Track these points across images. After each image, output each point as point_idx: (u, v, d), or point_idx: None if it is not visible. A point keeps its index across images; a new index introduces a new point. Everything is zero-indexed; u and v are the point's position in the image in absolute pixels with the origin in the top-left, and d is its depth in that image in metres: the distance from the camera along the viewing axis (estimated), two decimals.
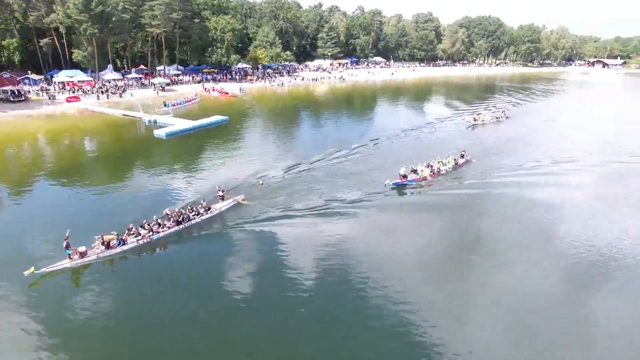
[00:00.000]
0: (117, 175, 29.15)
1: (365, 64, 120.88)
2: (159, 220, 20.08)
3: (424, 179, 28.30)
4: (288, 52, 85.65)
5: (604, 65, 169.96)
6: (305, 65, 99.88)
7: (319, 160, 32.53)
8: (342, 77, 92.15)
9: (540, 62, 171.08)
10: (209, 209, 21.94)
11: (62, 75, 60.12)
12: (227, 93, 62.81)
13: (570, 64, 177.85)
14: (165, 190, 26.20)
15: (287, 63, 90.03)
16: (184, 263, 18.08)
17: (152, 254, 18.65)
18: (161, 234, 19.64)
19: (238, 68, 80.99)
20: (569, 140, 43.10)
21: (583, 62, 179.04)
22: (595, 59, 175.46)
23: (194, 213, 21.20)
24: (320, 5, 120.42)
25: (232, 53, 75.01)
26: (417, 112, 61.03)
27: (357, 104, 67.29)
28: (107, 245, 17.94)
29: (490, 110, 57.87)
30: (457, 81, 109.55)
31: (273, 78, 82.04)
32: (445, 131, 45.73)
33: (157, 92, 63.08)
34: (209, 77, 74.35)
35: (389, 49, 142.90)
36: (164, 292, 15.99)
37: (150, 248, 18.99)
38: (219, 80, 74.21)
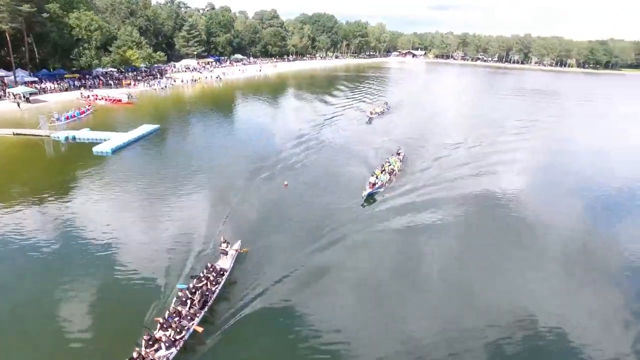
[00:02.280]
0: (84, 224, 21.70)
1: (228, 61, 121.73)
2: (179, 308, 14.60)
3: (389, 181, 29.67)
4: (161, 53, 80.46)
5: (413, 55, 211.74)
6: (174, 66, 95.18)
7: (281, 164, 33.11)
8: (218, 76, 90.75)
9: (368, 54, 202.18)
10: (222, 273, 17.28)
11: None
12: (119, 100, 55.06)
13: (389, 55, 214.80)
14: (159, 238, 20.77)
15: (158, 65, 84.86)
16: None
17: None
18: (191, 329, 14.02)
19: (105, 72, 72.84)
20: (458, 124, 53.85)
21: (398, 53, 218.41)
22: (407, 51, 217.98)
23: (213, 284, 16.29)
24: (172, 1, 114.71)
25: (102, 55, 67.35)
26: (305, 111, 59.56)
27: (249, 104, 65.79)
28: None
29: (371, 103, 64.50)
30: (312, 74, 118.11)
31: (149, 81, 76.95)
32: (350, 129, 47.71)
33: (19, 105, 51.97)
34: (77, 83, 64.96)
35: (243, 45, 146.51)
36: None
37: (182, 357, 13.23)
38: (91, 87, 65.83)
